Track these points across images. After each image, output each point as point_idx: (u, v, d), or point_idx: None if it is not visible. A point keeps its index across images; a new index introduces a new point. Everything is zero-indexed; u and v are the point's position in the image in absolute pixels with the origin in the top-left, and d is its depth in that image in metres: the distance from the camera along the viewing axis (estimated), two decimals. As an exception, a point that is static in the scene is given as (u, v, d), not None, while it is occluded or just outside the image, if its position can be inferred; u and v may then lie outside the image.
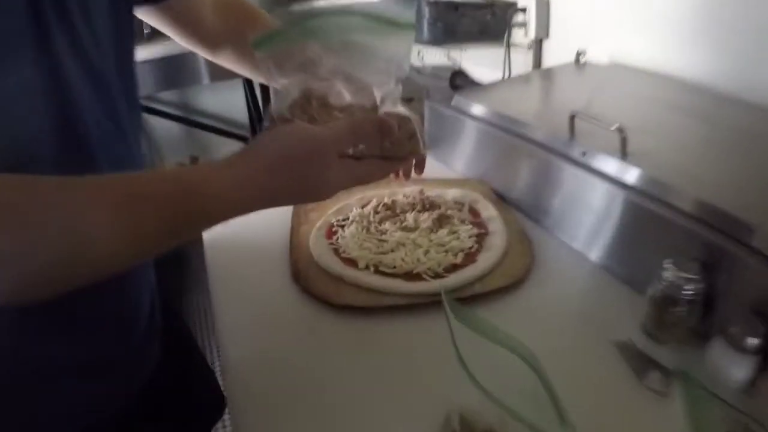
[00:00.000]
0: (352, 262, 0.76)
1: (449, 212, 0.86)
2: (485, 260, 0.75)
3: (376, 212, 0.88)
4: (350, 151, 0.49)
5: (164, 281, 0.77)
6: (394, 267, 0.73)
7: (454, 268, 0.74)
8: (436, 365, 0.60)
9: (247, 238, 0.89)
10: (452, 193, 0.93)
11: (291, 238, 0.85)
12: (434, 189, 0.96)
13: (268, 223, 0.90)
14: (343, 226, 0.86)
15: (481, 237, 0.81)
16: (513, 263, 0.76)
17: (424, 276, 0.72)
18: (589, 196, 0.76)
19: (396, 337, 0.66)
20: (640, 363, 0.60)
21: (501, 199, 0.95)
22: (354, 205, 0.92)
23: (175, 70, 1.93)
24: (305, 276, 0.75)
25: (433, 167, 1.14)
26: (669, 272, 0.59)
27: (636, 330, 0.65)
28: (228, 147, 2.36)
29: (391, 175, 0.62)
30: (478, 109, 1.01)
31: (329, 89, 0.56)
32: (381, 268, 0.74)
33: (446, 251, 0.76)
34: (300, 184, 0.44)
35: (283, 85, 0.56)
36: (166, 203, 0.35)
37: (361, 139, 0.48)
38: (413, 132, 0.55)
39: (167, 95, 2.30)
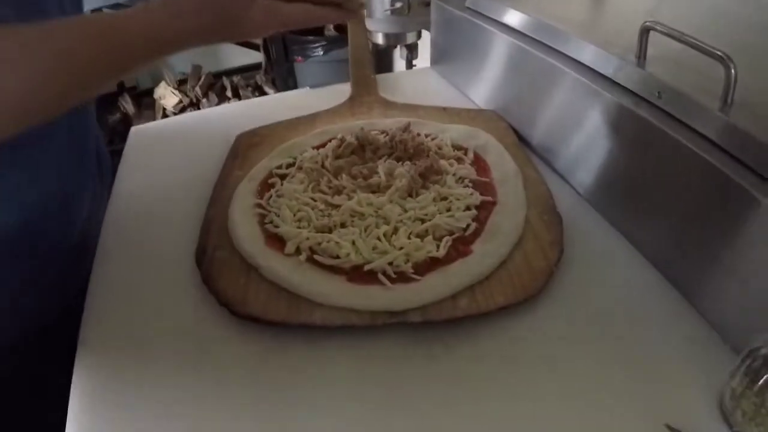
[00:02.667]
0: (279, 241, 0.47)
1: (442, 163, 0.55)
2: (484, 255, 0.45)
3: (338, 156, 0.57)
4: None
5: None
6: (337, 257, 0.44)
7: (432, 265, 0.44)
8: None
9: (171, 180, 0.61)
10: (453, 132, 0.62)
11: (214, 189, 0.56)
12: (428, 123, 0.64)
13: (204, 156, 0.62)
14: (283, 177, 0.56)
15: (485, 209, 0.50)
16: (528, 261, 0.46)
17: (381, 278, 0.43)
18: (662, 164, 0.44)
19: (324, 378, 0.39)
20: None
21: (523, 144, 0.63)
22: (309, 142, 0.62)
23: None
24: (211, 259, 0.47)
25: (434, 88, 0.82)
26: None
27: (708, 405, 0.36)
28: (238, 55, 2.04)
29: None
30: (502, 12, 0.66)
31: None
32: (318, 256, 0.45)
33: (425, 233, 0.47)
34: (222, 22, 0.41)
35: None
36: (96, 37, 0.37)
37: None
38: None
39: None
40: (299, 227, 0.47)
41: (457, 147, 0.59)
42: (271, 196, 0.52)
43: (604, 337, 0.41)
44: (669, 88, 0.44)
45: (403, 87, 0.81)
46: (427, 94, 0.78)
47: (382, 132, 0.62)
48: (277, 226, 0.48)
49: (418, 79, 0.87)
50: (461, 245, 0.46)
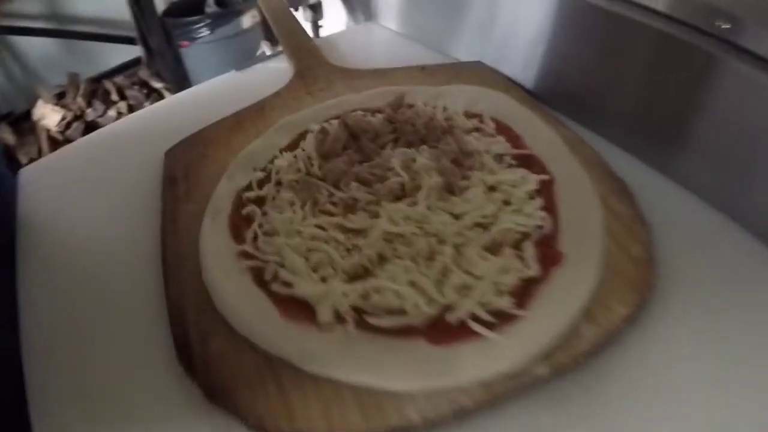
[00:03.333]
0: (299, 306, 0.31)
1: (468, 140, 0.41)
2: (582, 258, 0.33)
3: (324, 155, 0.41)
4: None
5: None
6: (401, 311, 0.30)
7: (526, 288, 0.31)
8: None
9: (94, 238, 0.42)
10: (453, 96, 0.48)
11: (163, 241, 0.38)
12: (415, 89, 0.49)
13: (129, 192, 0.43)
14: (261, 201, 0.39)
15: (544, 193, 0.37)
16: (624, 247, 0.34)
17: (476, 327, 0.29)
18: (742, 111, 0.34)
19: None
20: None
21: (531, 96, 0.50)
22: (273, 143, 0.45)
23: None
24: (204, 358, 0.30)
25: (387, 46, 0.66)
26: None
27: None
28: (114, 53, 1.74)
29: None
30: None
31: None
32: (372, 318, 0.30)
33: (497, 244, 0.33)
34: None
35: None
36: None
37: None
38: None
39: (31, 6, 1.59)
40: (323, 278, 0.32)
41: (469, 114, 0.45)
42: (256, 236, 0.36)
43: (728, 320, 0.31)
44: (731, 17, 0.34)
45: (349, 50, 0.65)
46: (383, 53, 0.63)
47: (368, 111, 0.46)
48: (289, 284, 0.32)
49: (361, 37, 0.71)
50: (546, 249, 0.33)
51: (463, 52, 0.58)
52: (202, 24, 1.69)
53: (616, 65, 0.42)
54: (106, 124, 0.56)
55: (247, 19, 1.74)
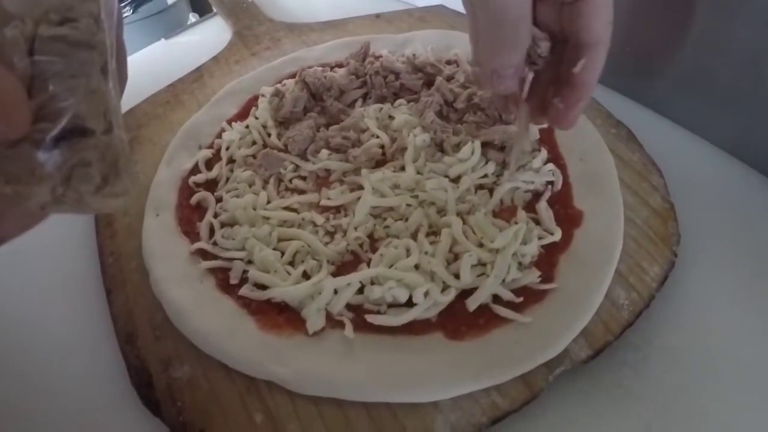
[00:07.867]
0: (278, 313, 0.24)
1: (456, 90, 0.35)
2: (603, 217, 0.28)
3: (282, 122, 0.34)
4: None
5: None
6: (411, 304, 0.24)
7: (549, 256, 0.26)
8: None
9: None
10: (421, 41, 0.41)
11: (101, 253, 0.30)
12: (379, 38, 0.42)
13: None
14: (213, 185, 0.32)
15: (548, 142, 0.32)
16: (642, 198, 0.30)
17: (503, 312, 0.23)
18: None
19: None
20: None
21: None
22: (218, 114, 0.37)
23: None
24: (165, 384, 0.23)
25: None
26: None
27: None
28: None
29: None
30: None
31: None
32: (373, 316, 0.23)
33: (505, 208, 0.27)
34: None
35: None
36: None
37: None
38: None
39: None
40: (304, 273, 0.25)
41: (442, 62, 0.39)
42: (212, 230, 0.28)
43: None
44: None
45: (289, 4, 0.56)
46: (329, 4, 0.55)
47: (327, 66, 0.39)
48: (262, 286, 0.25)
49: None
50: (561, 208, 0.28)
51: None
52: (125, 2, 1.53)
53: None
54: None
55: (172, -9, 1.58)
